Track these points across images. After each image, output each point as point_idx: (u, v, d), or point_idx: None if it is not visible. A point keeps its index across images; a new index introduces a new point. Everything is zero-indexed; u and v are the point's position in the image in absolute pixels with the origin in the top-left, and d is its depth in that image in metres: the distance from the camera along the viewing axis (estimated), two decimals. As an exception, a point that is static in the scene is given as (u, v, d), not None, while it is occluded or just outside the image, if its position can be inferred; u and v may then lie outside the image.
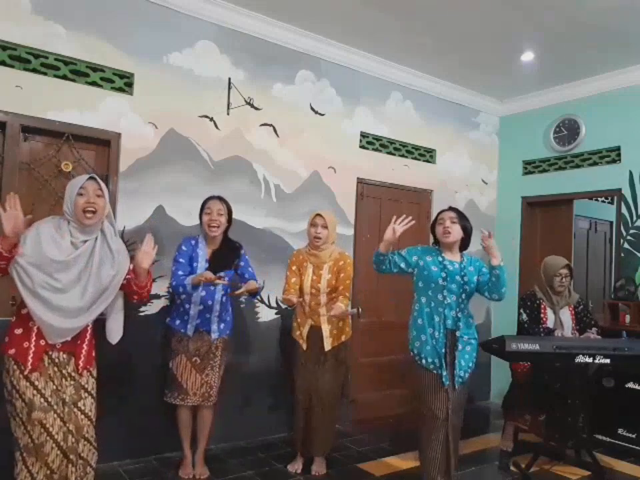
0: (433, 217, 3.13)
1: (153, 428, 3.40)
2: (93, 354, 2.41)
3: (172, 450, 3.38)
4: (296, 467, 3.35)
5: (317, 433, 3.30)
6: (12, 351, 2.21)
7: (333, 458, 3.52)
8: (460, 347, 2.84)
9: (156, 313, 3.46)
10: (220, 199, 3.20)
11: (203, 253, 3.14)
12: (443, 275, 2.85)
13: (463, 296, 2.87)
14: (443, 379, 2.79)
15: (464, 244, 2.98)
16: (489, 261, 2.80)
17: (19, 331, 2.24)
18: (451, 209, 3.00)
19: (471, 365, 2.88)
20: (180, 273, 3.06)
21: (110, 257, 2.32)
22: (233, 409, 3.69)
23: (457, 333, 2.84)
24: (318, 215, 3.34)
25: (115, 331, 2.48)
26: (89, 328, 2.38)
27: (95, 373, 2.42)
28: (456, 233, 2.90)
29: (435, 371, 2.81)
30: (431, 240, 3.09)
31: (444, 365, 2.79)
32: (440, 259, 2.90)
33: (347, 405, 4.16)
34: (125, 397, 3.29)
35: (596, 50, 4.18)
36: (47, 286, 2.17)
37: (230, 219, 3.22)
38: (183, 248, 3.16)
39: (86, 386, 2.34)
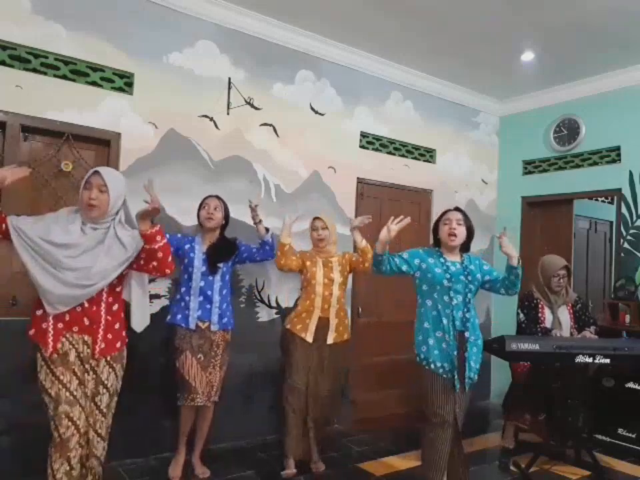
0: (433, 217, 3.11)
1: (153, 428, 3.40)
2: (118, 345, 2.38)
3: (172, 450, 3.37)
4: (289, 472, 3.30)
5: (317, 435, 3.29)
6: (32, 332, 2.26)
7: (333, 458, 3.52)
8: (468, 348, 2.80)
9: (157, 313, 3.46)
10: (218, 197, 3.28)
11: (199, 247, 3.18)
12: (447, 276, 2.80)
13: (469, 295, 2.82)
14: (455, 383, 2.74)
15: (465, 246, 2.95)
16: (507, 261, 2.80)
17: (39, 312, 2.27)
18: (457, 209, 2.95)
19: (478, 366, 2.85)
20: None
21: (120, 246, 2.32)
22: (233, 409, 3.69)
23: (466, 334, 2.79)
24: (316, 218, 3.44)
25: (139, 318, 2.46)
26: (102, 310, 2.32)
27: (118, 368, 2.39)
28: (462, 235, 2.86)
29: (444, 375, 2.75)
30: (431, 240, 3.08)
31: (456, 368, 2.74)
32: (442, 260, 2.87)
33: (347, 405, 4.16)
34: (124, 397, 3.28)
35: (596, 50, 4.18)
36: (51, 260, 2.19)
37: (227, 219, 3.28)
38: (178, 235, 3.25)
39: (105, 382, 2.34)
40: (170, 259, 2.38)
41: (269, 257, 3.37)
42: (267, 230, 3.34)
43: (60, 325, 2.25)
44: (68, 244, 2.22)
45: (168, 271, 2.40)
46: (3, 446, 2.91)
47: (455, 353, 2.75)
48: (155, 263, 2.35)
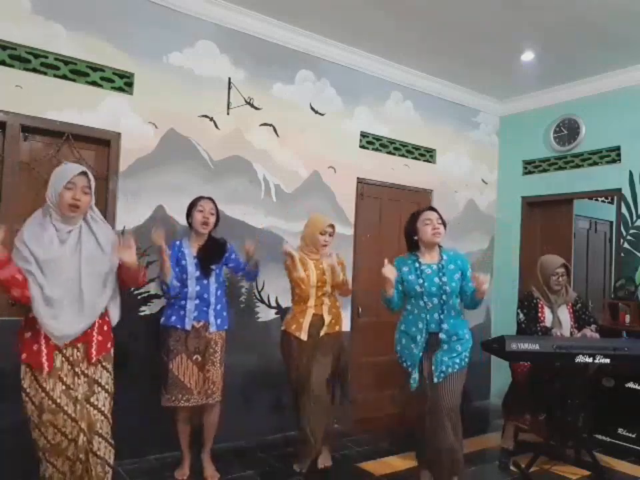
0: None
1: (153, 428, 3.40)
2: (109, 345, 2.37)
3: (172, 450, 3.38)
4: (301, 466, 3.34)
5: (317, 427, 3.27)
6: (24, 356, 2.23)
7: (333, 458, 3.52)
8: (445, 347, 2.83)
9: (156, 313, 3.46)
10: (212, 200, 3.23)
11: (189, 251, 3.16)
12: (420, 281, 2.86)
13: (444, 297, 2.84)
14: (411, 381, 2.86)
15: None
16: (474, 292, 2.82)
17: (28, 335, 2.24)
18: (432, 209, 3.01)
19: (458, 361, 2.83)
20: (174, 283, 3.05)
21: (99, 251, 2.29)
22: (233, 409, 3.68)
23: (440, 335, 2.83)
24: (331, 225, 3.40)
25: (111, 312, 2.42)
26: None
27: (110, 367, 2.38)
28: (443, 232, 2.93)
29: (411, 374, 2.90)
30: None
31: (417, 367, 2.86)
32: (416, 265, 2.91)
33: (347, 405, 4.16)
34: (124, 397, 3.29)
35: (596, 50, 4.18)
36: (45, 294, 2.16)
37: (217, 222, 3.26)
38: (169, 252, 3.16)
39: (100, 380, 2.31)
40: (143, 277, 2.55)
41: (250, 281, 3.68)
42: (257, 264, 3.36)
43: (52, 342, 2.21)
44: (51, 259, 2.17)
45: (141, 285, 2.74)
46: (4, 446, 2.90)
47: (420, 354, 2.86)
48: (129, 285, 2.52)
